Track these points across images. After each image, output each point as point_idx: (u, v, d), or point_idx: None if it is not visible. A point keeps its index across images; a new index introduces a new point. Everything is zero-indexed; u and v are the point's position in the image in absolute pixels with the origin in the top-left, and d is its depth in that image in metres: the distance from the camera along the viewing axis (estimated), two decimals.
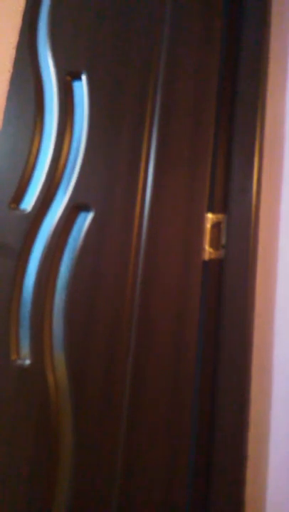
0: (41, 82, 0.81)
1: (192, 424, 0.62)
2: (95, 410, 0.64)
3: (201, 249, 0.66)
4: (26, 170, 0.76)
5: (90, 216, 0.71)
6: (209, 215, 0.69)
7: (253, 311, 0.64)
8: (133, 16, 0.77)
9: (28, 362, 0.68)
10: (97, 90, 0.76)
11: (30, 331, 0.69)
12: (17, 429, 0.66)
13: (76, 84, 0.79)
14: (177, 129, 0.71)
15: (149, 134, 0.72)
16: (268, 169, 0.70)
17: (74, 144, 0.77)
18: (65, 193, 0.74)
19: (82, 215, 0.73)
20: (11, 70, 0.83)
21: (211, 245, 0.68)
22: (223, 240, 0.66)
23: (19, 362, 0.68)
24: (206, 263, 0.67)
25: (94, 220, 0.70)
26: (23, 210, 0.74)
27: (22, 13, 0.86)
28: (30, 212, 0.73)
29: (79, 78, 0.78)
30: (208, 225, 0.68)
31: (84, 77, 0.77)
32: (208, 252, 0.67)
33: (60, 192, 0.75)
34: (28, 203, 0.74)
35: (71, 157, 0.76)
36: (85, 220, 0.71)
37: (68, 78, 0.79)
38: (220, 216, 0.68)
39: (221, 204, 0.69)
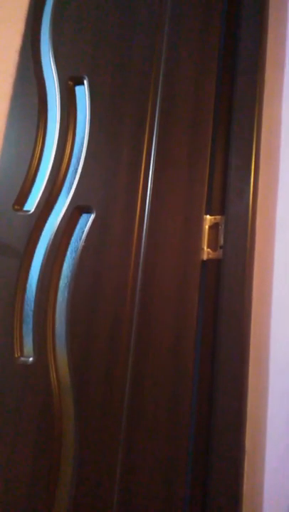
0: (44, 86, 0.83)
1: (191, 420, 0.63)
2: (97, 407, 0.65)
3: (199, 249, 0.68)
4: (29, 172, 0.77)
5: (91, 218, 0.73)
6: (207, 217, 0.70)
7: (250, 309, 0.65)
8: (133, 22, 0.79)
9: (31, 359, 0.69)
10: (98, 94, 0.78)
11: (34, 329, 0.70)
12: (20, 425, 0.67)
13: (78, 89, 0.81)
14: (176, 133, 0.73)
15: (148, 138, 0.74)
16: (265, 172, 0.71)
17: (76, 147, 0.78)
18: (67, 195, 0.75)
19: (84, 216, 0.74)
20: (14, 74, 0.84)
21: (209, 246, 0.69)
22: (221, 241, 0.68)
23: (22, 359, 0.70)
24: (204, 263, 0.69)
25: (95, 222, 0.72)
26: (27, 212, 0.76)
27: (25, 19, 0.87)
28: (33, 214, 0.75)
29: (81, 83, 0.80)
30: (206, 226, 0.70)
31: (86, 82, 0.79)
32: (206, 252, 0.69)
33: (62, 194, 0.76)
34: (32, 204, 0.76)
35: (73, 160, 0.78)
36: (87, 222, 0.73)
37: (70, 83, 0.81)
38: (218, 217, 0.70)
39: (218, 206, 0.71)
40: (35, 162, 0.78)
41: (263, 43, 0.73)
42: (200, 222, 0.69)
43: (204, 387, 0.65)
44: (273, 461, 0.62)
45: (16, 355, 0.70)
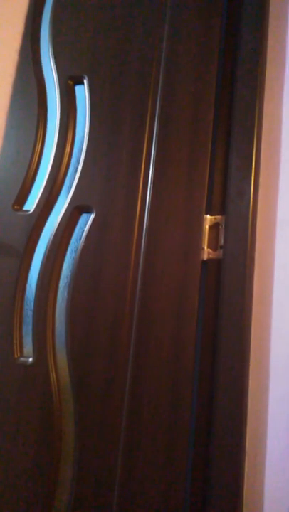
0: (44, 86, 0.83)
1: (191, 420, 0.63)
2: (97, 407, 0.65)
3: (199, 249, 0.68)
4: (29, 172, 0.77)
5: (91, 217, 0.72)
6: (208, 217, 0.70)
7: (251, 309, 0.65)
8: (133, 21, 0.79)
9: (31, 360, 0.69)
10: (98, 94, 0.78)
11: (33, 329, 0.70)
12: (20, 425, 0.67)
13: (78, 88, 0.81)
14: (176, 132, 0.73)
15: (149, 138, 0.74)
16: (265, 172, 0.71)
17: (76, 147, 0.78)
18: (67, 194, 0.75)
19: (84, 216, 0.74)
20: (14, 74, 0.84)
21: (210, 246, 0.69)
22: (222, 241, 0.68)
23: (22, 359, 0.70)
24: (204, 263, 0.69)
25: (95, 222, 0.72)
26: (27, 211, 0.75)
27: (25, 19, 0.87)
28: (33, 213, 0.75)
29: (81, 82, 0.80)
30: (206, 226, 0.70)
31: (86, 81, 0.79)
32: (206, 252, 0.69)
33: (62, 193, 0.76)
34: (31, 204, 0.76)
35: (73, 159, 0.78)
36: (87, 222, 0.73)
37: (70, 82, 0.81)
38: (218, 217, 0.70)
39: (219, 206, 0.71)
40: (34, 162, 0.78)
41: (264, 43, 0.73)
42: (200, 222, 0.69)
43: (205, 387, 0.65)
44: (274, 461, 0.62)
45: (16, 356, 0.70)
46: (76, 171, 0.76)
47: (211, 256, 0.69)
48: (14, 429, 0.66)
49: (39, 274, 0.72)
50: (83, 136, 0.77)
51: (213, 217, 0.70)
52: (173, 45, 0.76)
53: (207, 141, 0.71)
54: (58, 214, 0.74)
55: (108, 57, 0.79)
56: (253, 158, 0.68)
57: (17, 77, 0.83)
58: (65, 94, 0.80)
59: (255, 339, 0.65)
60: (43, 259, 0.73)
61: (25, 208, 0.77)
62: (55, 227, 0.73)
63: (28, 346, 0.71)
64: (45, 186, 0.76)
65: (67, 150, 0.78)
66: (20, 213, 0.75)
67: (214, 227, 0.70)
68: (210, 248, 0.69)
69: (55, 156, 0.77)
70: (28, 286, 0.73)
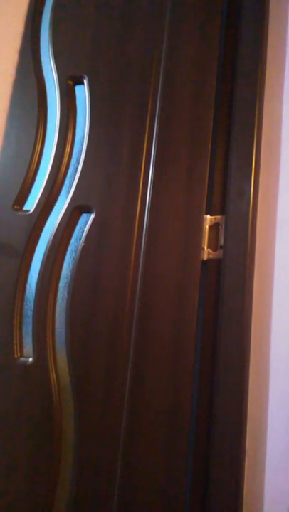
0: (44, 86, 0.83)
1: (191, 420, 0.63)
2: (97, 407, 0.65)
3: (199, 249, 0.68)
4: (29, 172, 0.77)
5: (91, 218, 0.72)
6: (208, 217, 0.70)
7: (251, 309, 0.65)
8: (133, 21, 0.79)
9: (30, 359, 0.69)
10: (98, 94, 0.78)
11: (33, 329, 0.70)
12: (20, 425, 0.67)
13: (78, 88, 0.81)
14: (176, 132, 0.73)
15: (149, 138, 0.74)
16: (265, 172, 0.71)
17: (76, 147, 0.78)
18: (67, 194, 0.75)
19: (84, 216, 0.74)
20: (14, 74, 0.84)
21: (210, 246, 0.69)
22: (222, 241, 0.68)
23: (22, 359, 0.70)
24: (204, 263, 0.69)
25: (95, 222, 0.72)
26: (26, 211, 0.75)
27: (25, 19, 0.87)
28: (33, 213, 0.75)
29: (81, 82, 0.80)
30: (206, 226, 0.70)
31: (86, 81, 0.79)
32: (206, 252, 0.69)
33: (62, 194, 0.76)
34: (31, 204, 0.76)
35: (73, 159, 0.78)
36: (87, 222, 0.73)
37: (70, 82, 0.81)
38: (218, 217, 0.70)
39: (219, 206, 0.71)
40: (34, 162, 0.78)
41: (264, 43, 0.73)
42: (200, 222, 0.69)
43: (205, 387, 0.65)
44: (273, 461, 0.62)
45: (16, 356, 0.70)
46: (76, 171, 0.76)
47: (211, 256, 0.69)
48: (14, 430, 0.67)
49: (39, 274, 0.72)
50: (83, 136, 0.77)
51: (213, 217, 0.70)
52: (173, 45, 0.76)
53: (207, 140, 0.71)
54: (58, 214, 0.74)
55: (108, 57, 0.79)
56: (253, 158, 0.68)
57: (17, 77, 0.83)
58: (65, 94, 0.80)
59: (255, 339, 0.65)
60: (43, 259, 0.73)
61: (25, 208, 0.77)
62: (55, 228, 0.73)
63: (28, 346, 0.71)
64: (45, 186, 0.76)
65: (67, 150, 0.78)
66: (21, 213, 0.75)
67: (214, 227, 0.70)
68: (210, 248, 0.69)
69: (55, 156, 0.77)
70: (28, 286, 0.73)
